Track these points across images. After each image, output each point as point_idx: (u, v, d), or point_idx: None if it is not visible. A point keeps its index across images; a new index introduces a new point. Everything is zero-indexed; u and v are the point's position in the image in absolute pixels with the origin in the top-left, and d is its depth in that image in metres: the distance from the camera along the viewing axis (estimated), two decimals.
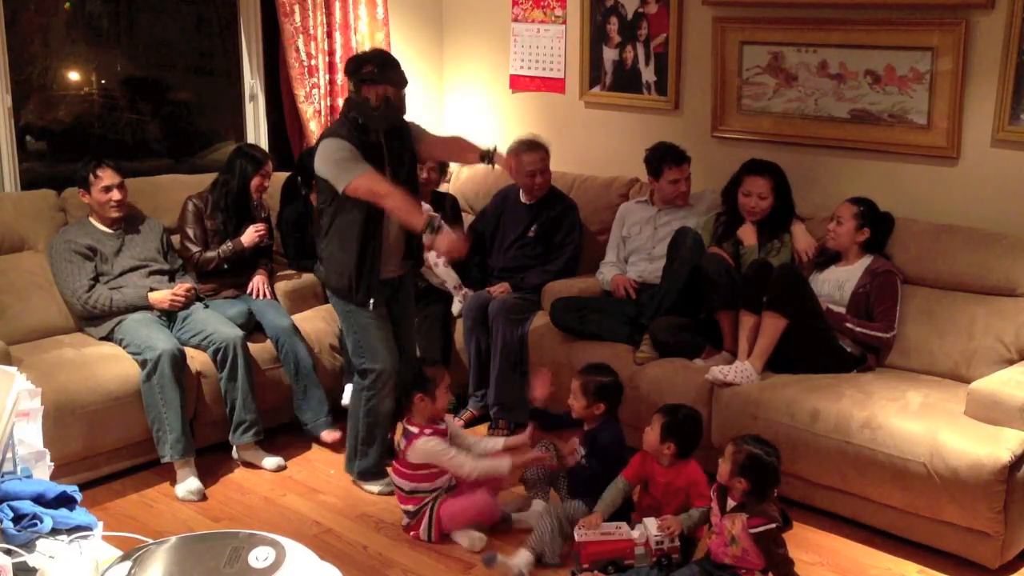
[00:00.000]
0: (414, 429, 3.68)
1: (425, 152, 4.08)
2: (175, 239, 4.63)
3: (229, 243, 4.54)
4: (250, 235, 4.56)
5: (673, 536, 3.31)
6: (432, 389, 3.68)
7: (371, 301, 3.85)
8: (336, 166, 3.68)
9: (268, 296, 4.62)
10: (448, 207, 5.04)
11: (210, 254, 4.53)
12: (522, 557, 3.44)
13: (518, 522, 3.71)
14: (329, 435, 4.37)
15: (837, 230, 4.16)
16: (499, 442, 3.84)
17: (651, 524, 3.34)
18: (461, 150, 4.10)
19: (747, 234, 4.32)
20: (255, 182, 4.60)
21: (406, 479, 3.70)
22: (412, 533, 3.71)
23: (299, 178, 4.86)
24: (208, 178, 4.94)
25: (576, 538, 3.33)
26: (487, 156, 3.91)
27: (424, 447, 3.65)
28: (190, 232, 4.54)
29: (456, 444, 3.75)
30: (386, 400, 3.97)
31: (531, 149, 4.75)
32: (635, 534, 3.34)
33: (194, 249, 4.53)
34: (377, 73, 3.72)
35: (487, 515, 3.67)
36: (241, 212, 4.61)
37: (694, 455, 3.49)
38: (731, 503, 3.16)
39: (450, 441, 3.72)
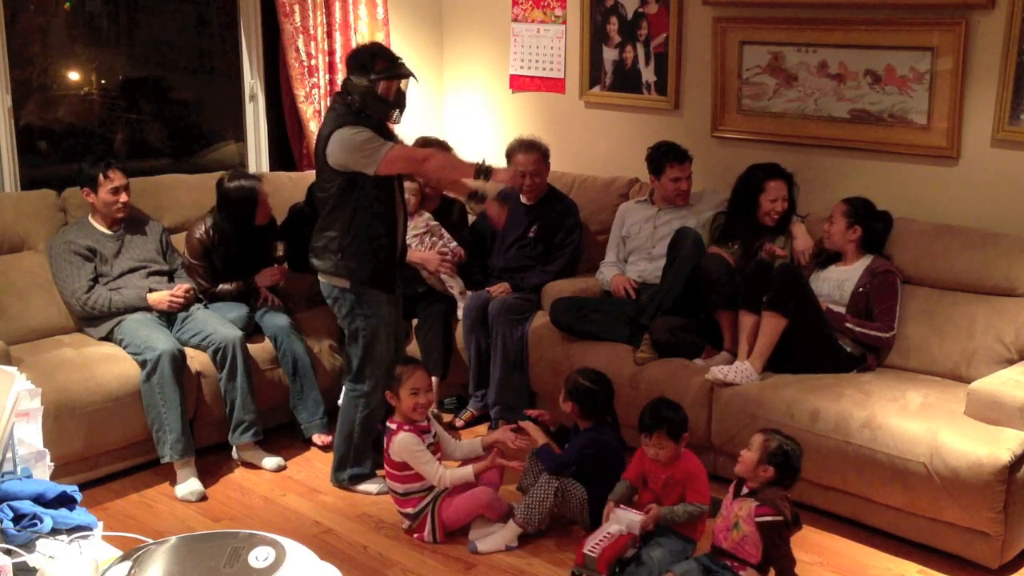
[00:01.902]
0: (392, 425, 3.69)
1: None
2: (177, 240, 4.63)
3: (242, 282, 4.50)
4: (265, 278, 4.53)
5: (653, 520, 3.36)
6: (396, 388, 3.65)
7: (396, 287, 3.91)
8: (361, 149, 3.67)
9: (276, 303, 4.60)
10: (455, 212, 5.04)
11: (225, 287, 4.48)
12: (510, 530, 3.58)
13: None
14: (320, 439, 4.38)
15: (830, 230, 4.18)
16: (475, 442, 3.89)
17: (624, 514, 3.39)
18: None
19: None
20: (258, 217, 4.51)
21: (396, 481, 3.70)
22: (416, 536, 3.71)
23: (306, 208, 4.70)
24: (209, 178, 4.93)
25: (591, 554, 3.33)
26: (483, 171, 3.84)
27: (402, 443, 3.63)
28: (199, 267, 4.48)
29: (442, 445, 3.79)
30: (383, 405, 3.99)
31: (527, 150, 4.77)
32: (622, 528, 3.36)
33: (205, 285, 4.48)
34: (392, 67, 3.77)
35: (490, 509, 3.66)
36: (250, 245, 4.55)
37: (692, 449, 3.53)
38: (746, 490, 3.19)
39: (434, 439, 3.74)
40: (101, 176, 4.26)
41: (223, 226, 4.46)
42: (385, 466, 3.75)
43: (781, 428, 3.69)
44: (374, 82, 3.72)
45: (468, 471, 3.66)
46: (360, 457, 4.06)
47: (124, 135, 5.30)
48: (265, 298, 4.56)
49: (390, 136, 3.88)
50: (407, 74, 3.82)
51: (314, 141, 4.08)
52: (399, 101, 3.83)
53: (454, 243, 4.88)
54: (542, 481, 3.62)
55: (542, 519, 3.60)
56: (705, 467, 3.51)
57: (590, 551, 3.33)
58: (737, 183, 4.43)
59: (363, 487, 4.06)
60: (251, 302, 4.52)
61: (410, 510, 3.70)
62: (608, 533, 3.36)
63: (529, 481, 3.78)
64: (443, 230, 4.89)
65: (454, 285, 4.78)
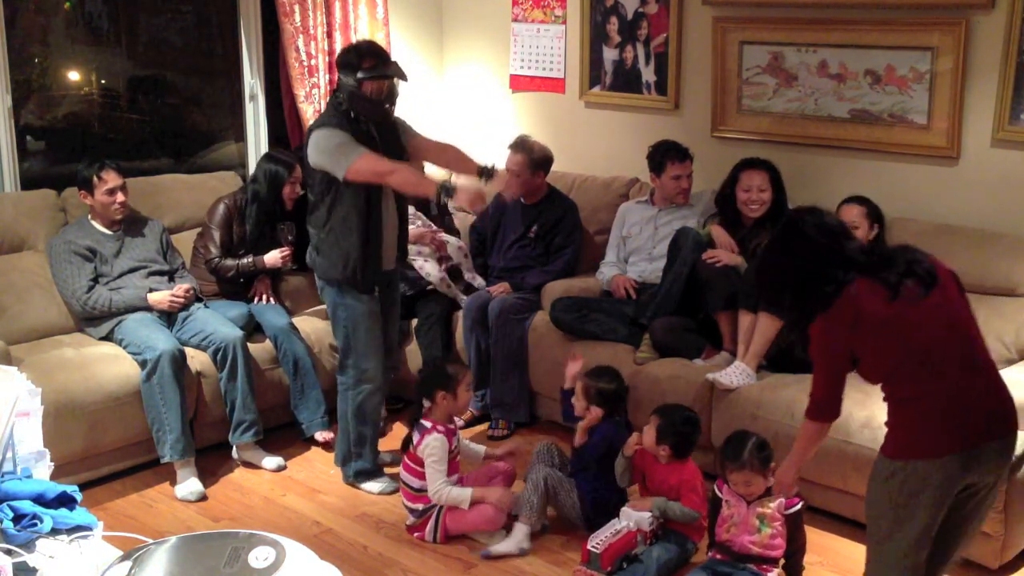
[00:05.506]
0: (427, 424, 3.69)
1: (415, 150, 4.02)
2: (177, 239, 4.63)
3: (251, 259, 4.51)
4: (274, 257, 4.53)
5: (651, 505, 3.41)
6: (454, 387, 3.71)
7: (375, 288, 3.89)
8: (332, 154, 3.67)
9: (272, 302, 4.60)
10: (433, 205, 5.04)
11: (229, 263, 4.50)
12: (520, 532, 3.58)
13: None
14: (322, 435, 4.38)
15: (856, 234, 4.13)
16: (480, 450, 3.93)
17: (631, 513, 3.42)
18: (458, 160, 4.03)
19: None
20: (286, 190, 4.57)
21: (416, 476, 3.69)
22: (416, 534, 3.71)
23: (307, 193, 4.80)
24: (209, 178, 4.94)
25: (594, 550, 3.34)
26: (485, 172, 3.84)
27: (431, 443, 3.65)
28: (216, 235, 4.50)
29: (461, 448, 3.82)
30: (373, 398, 4.00)
31: (514, 149, 4.77)
32: (630, 524, 3.38)
33: (214, 252, 4.50)
34: (381, 67, 3.75)
35: (494, 524, 3.65)
36: (269, 222, 4.59)
37: (692, 456, 3.53)
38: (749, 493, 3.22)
39: (457, 443, 3.77)
40: (95, 177, 4.25)
41: (256, 195, 4.53)
42: (407, 459, 3.74)
43: (781, 428, 3.72)
44: (360, 81, 3.71)
45: (466, 495, 3.63)
46: (359, 450, 4.05)
47: (124, 135, 5.30)
48: (260, 295, 4.57)
49: (389, 132, 3.85)
50: (393, 75, 3.77)
51: None
52: (389, 100, 3.81)
53: (452, 238, 4.91)
54: (531, 474, 3.66)
55: (537, 510, 3.60)
56: (705, 467, 3.52)
57: (593, 548, 3.34)
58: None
59: (366, 485, 4.06)
60: (248, 296, 4.55)
61: (420, 506, 3.69)
62: (614, 530, 3.37)
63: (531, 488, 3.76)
64: (442, 231, 4.92)
65: (473, 279, 4.82)
